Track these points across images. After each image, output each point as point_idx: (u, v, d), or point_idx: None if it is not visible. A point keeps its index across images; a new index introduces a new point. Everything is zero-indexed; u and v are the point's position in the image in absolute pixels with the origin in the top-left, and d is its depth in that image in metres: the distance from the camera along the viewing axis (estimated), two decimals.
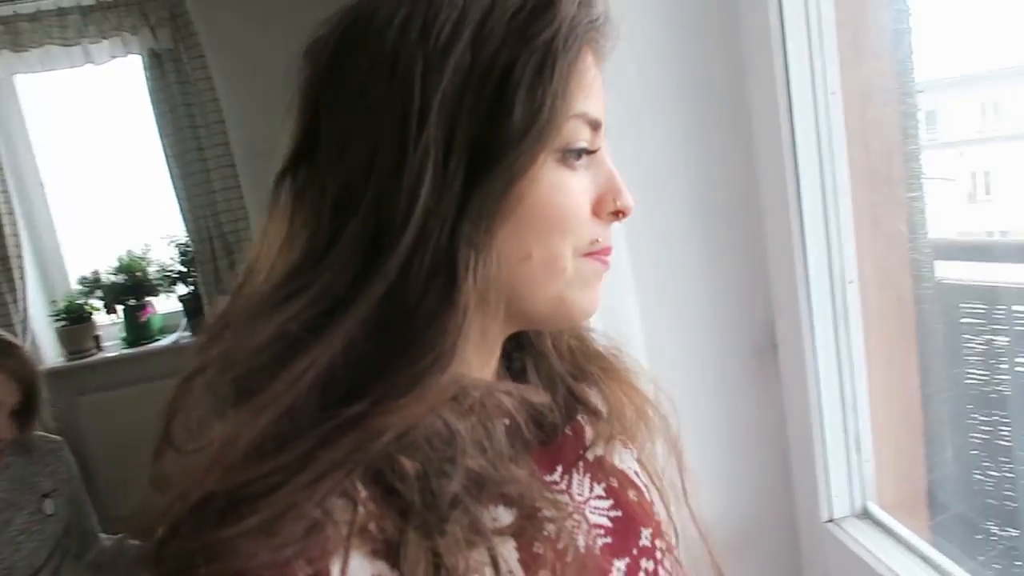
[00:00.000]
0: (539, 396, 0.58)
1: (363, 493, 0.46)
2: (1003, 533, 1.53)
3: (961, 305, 1.62)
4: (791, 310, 1.13)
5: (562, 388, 0.64)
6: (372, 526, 0.45)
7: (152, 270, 3.25)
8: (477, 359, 0.55)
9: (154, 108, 2.92)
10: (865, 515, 1.16)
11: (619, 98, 1.13)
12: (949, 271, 1.57)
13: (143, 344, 3.18)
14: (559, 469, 0.60)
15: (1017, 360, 1.52)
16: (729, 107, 1.15)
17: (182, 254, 3.23)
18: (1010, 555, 1.50)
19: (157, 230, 3.25)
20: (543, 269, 0.53)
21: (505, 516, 0.50)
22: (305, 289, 0.48)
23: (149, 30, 2.82)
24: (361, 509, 0.45)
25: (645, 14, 1.13)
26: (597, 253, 0.56)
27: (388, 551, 0.45)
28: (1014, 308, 1.53)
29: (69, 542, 1.59)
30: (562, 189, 0.52)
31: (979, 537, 1.55)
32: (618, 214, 0.56)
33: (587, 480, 0.61)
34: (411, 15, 0.50)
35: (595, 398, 0.66)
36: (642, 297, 1.16)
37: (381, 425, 0.45)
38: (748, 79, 1.11)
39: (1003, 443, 1.58)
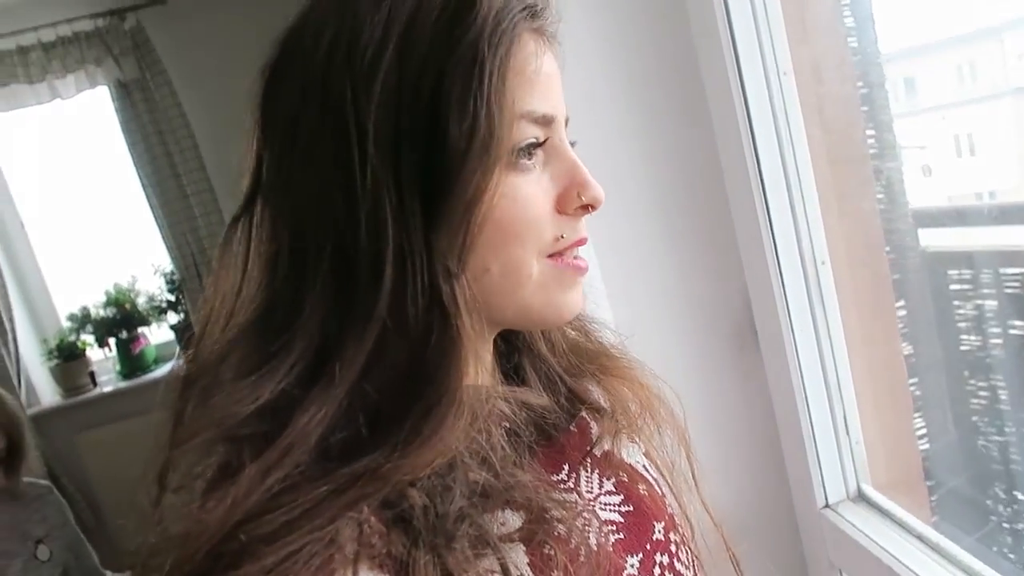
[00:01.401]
0: (538, 398, 0.56)
1: (366, 510, 0.44)
2: (1008, 497, 1.51)
3: (949, 272, 1.59)
4: (766, 295, 1.10)
5: (563, 388, 0.62)
6: (377, 541, 0.44)
7: (141, 301, 3.23)
8: (472, 369, 0.53)
9: (126, 138, 2.90)
10: (860, 498, 1.14)
11: (574, 92, 1.10)
12: (934, 239, 1.54)
13: (139, 376, 3.16)
14: (566, 468, 0.58)
15: (1009, 323, 1.50)
16: (685, 94, 1.13)
17: (169, 283, 3.21)
18: (1017, 521, 1.48)
19: (143, 260, 3.23)
20: (505, 279, 0.50)
21: (513, 520, 0.49)
22: (289, 347, 0.46)
23: (113, 61, 2.80)
24: (367, 528, 0.43)
25: (593, 5, 1.11)
26: (568, 249, 0.52)
27: (395, 566, 0.44)
28: (1001, 271, 1.50)
29: None
30: (514, 199, 0.49)
31: (985, 505, 1.52)
32: (587, 207, 0.53)
33: (596, 476, 0.59)
34: (337, 34, 0.47)
35: (597, 394, 0.64)
36: (611, 292, 1.13)
37: (403, 471, 0.44)
38: (701, 64, 1.08)
39: (1002, 407, 1.56)
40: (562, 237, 0.51)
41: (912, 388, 1.37)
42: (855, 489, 1.14)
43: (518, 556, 0.48)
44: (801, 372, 1.09)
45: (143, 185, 2.96)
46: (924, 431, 1.40)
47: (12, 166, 3.06)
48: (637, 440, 0.65)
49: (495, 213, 0.47)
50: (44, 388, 3.14)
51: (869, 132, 1.22)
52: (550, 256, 0.52)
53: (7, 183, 3.06)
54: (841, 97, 1.05)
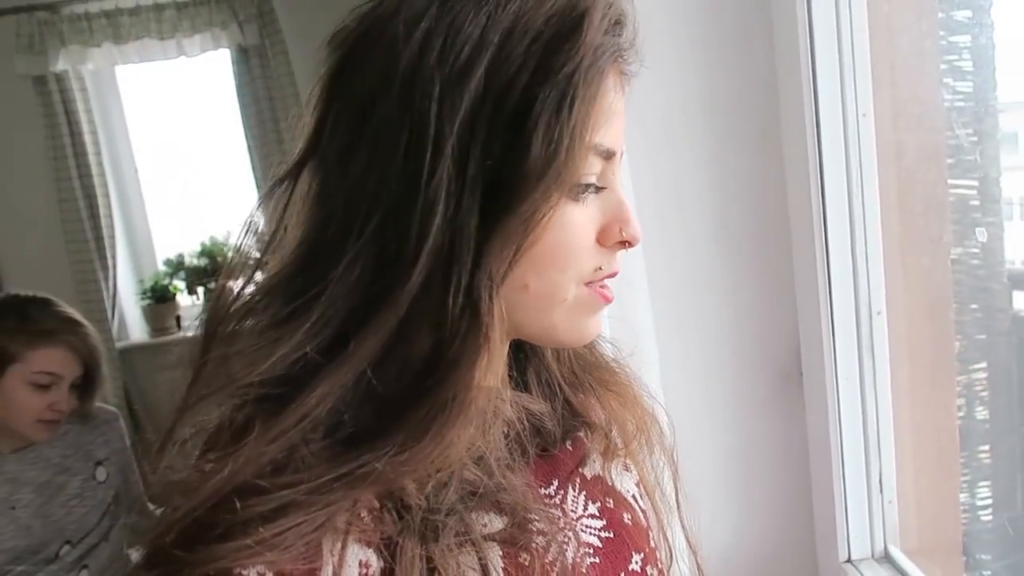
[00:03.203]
0: (538, 405, 0.57)
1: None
2: None
3: None
4: (815, 337, 1.08)
5: (561, 398, 0.62)
6: (367, 518, 0.46)
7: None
8: (485, 374, 0.53)
9: (239, 100, 3.05)
10: (886, 558, 1.11)
11: (649, 119, 1.11)
12: None
13: None
14: (555, 483, 0.59)
15: None
16: (762, 126, 1.11)
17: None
18: None
19: (239, 218, 3.38)
20: (539, 299, 0.51)
21: (496, 522, 0.50)
22: (309, 309, 0.46)
23: (238, 26, 2.95)
24: (360, 504, 0.45)
25: (677, 29, 1.11)
26: (600, 280, 0.54)
27: (381, 543, 0.46)
28: None
29: (119, 509, 1.69)
30: (566, 227, 0.50)
31: None
32: (624, 243, 0.54)
33: (582, 498, 0.60)
34: (432, 31, 0.47)
35: (593, 410, 0.65)
36: (659, 317, 1.13)
37: (407, 470, 0.45)
38: (780, 100, 1.07)
39: None
40: (600, 268, 0.53)
41: (983, 456, 1.30)
42: (881, 549, 1.10)
43: (494, 558, 0.49)
44: (840, 420, 1.06)
45: (248, 147, 3.10)
46: (990, 501, 1.32)
47: (135, 115, 3.26)
48: (631, 468, 0.66)
49: (546, 236, 0.48)
50: (134, 325, 3.34)
51: (971, 183, 1.16)
52: (586, 284, 0.53)
53: (128, 130, 3.27)
54: (923, 146, 1.02)
